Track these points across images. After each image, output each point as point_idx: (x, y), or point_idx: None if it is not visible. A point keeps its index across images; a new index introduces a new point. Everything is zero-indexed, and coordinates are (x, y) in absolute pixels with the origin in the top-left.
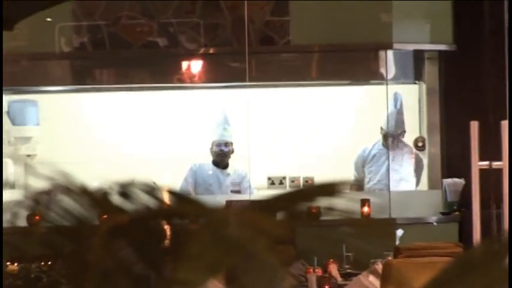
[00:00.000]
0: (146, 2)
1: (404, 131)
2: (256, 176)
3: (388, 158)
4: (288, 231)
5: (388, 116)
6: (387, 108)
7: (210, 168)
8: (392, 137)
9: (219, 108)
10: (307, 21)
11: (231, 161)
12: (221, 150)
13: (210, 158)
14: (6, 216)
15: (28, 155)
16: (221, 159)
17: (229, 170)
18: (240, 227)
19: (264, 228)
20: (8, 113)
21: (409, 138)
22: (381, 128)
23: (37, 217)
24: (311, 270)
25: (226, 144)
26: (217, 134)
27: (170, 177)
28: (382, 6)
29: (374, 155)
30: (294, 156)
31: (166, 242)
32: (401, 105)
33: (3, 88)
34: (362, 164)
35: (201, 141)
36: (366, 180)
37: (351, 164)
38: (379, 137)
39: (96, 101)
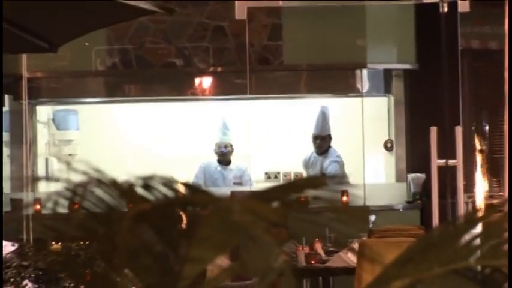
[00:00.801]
0: (165, 29)
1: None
2: (255, 171)
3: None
4: (281, 217)
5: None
6: (362, 117)
7: (215, 166)
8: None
9: (220, 116)
10: (297, 45)
11: (233, 159)
12: (221, 151)
13: (215, 157)
14: (50, 205)
15: (70, 155)
16: (223, 158)
17: (232, 166)
18: (242, 213)
19: (261, 214)
20: (53, 120)
21: (380, 141)
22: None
23: (76, 205)
24: (300, 248)
25: (226, 146)
26: (218, 137)
27: (184, 173)
28: (358, 33)
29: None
30: (286, 155)
31: (182, 225)
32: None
33: (50, 100)
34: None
35: (208, 143)
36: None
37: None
38: (359, 141)
39: (124, 110)
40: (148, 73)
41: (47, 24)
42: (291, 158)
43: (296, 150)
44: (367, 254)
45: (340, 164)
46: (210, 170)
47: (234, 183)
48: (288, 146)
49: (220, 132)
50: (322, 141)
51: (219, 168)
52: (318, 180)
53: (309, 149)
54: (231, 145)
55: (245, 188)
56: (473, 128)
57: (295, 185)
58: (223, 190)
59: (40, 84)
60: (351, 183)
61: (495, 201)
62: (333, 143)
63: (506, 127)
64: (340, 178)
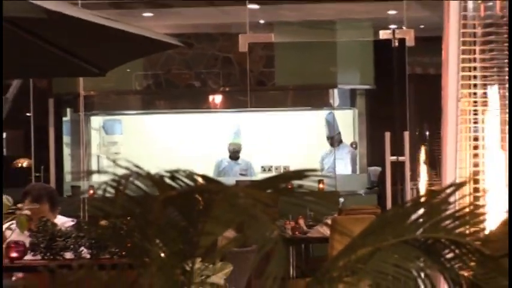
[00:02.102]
0: (187, 59)
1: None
2: (254, 165)
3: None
4: (273, 200)
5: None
6: (334, 125)
7: (227, 161)
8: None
9: (234, 124)
10: (285, 71)
11: (241, 155)
12: (233, 149)
13: (227, 154)
14: (100, 191)
15: (115, 153)
16: (234, 154)
17: (240, 161)
18: (244, 198)
19: (259, 198)
20: (103, 127)
21: (347, 142)
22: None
23: (119, 191)
24: (287, 223)
25: (237, 145)
26: (232, 138)
27: (200, 167)
28: (331, 62)
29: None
30: (277, 153)
31: (199, 207)
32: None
33: (100, 112)
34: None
35: (219, 145)
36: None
37: (314, 158)
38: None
39: (156, 120)
40: (174, 92)
41: (97, 54)
42: (281, 155)
43: (285, 149)
44: (337, 227)
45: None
46: (223, 165)
47: (241, 174)
48: (278, 146)
49: (235, 135)
50: (332, 140)
51: (229, 162)
52: (300, 172)
53: (295, 150)
54: (240, 145)
55: (249, 178)
56: (417, 133)
57: (284, 176)
58: (231, 180)
59: (93, 100)
60: (326, 174)
61: (434, 188)
62: (312, 145)
63: (443, 133)
64: (317, 171)
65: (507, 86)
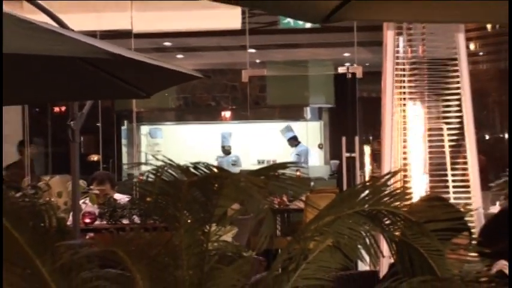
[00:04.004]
0: (206, 86)
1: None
2: (252, 159)
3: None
4: (265, 184)
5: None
6: (307, 131)
7: (222, 155)
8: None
9: (223, 132)
10: (274, 95)
11: (238, 152)
12: (225, 148)
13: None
14: (145, 177)
15: (157, 151)
16: (226, 151)
17: (231, 155)
18: (245, 182)
19: (255, 182)
20: (149, 133)
21: (316, 143)
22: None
23: (159, 177)
24: (275, 199)
25: (226, 145)
26: (222, 142)
27: (213, 161)
28: (304, 88)
29: (301, 151)
30: (269, 150)
31: (214, 188)
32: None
33: (147, 123)
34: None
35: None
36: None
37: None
38: (305, 143)
39: (185, 128)
40: (197, 109)
41: (145, 82)
42: (272, 152)
43: (273, 148)
44: (309, 202)
45: (301, 153)
46: (221, 159)
47: (232, 164)
48: (270, 145)
49: (224, 140)
50: (290, 142)
51: (223, 157)
52: (284, 164)
53: (281, 148)
54: (230, 147)
55: (239, 168)
56: (363, 137)
57: (273, 167)
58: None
59: (142, 115)
60: (302, 165)
61: (375, 175)
62: (288, 149)
63: (382, 137)
64: (297, 163)
65: (426, 104)
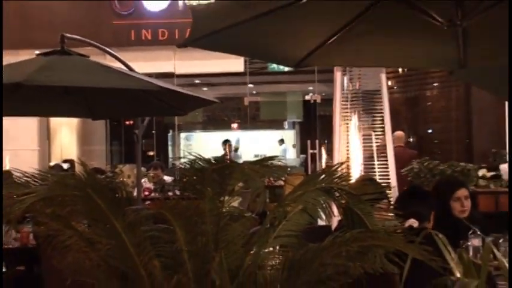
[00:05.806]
0: (221, 106)
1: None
2: (251, 154)
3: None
4: (260, 169)
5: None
6: (284, 137)
7: (233, 153)
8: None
9: (238, 137)
10: (265, 113)
11: (240, 150)
12: (235, 147)
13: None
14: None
15: (191, 149)
16: (235, 149)
17: (238, 152)
18: (248, 168)
19: (254, 169)
20: (185, 138)
21: (291, 144)
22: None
23: (191, 166)
24: (266, 179)
25: (231, 145)
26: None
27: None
28: (283, 109)
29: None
30: (263, 148)
31: (227, 172)
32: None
33: (184, 130)
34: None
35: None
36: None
37: (277, 150)
38: (284, 144)
39: (208, 135)
40: (216, 122)
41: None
42: (264, 149)
43: (266, 146)
44: (288, 181)
45: (284, 150)
46: (231, 155)
47: (238, 158)
48: (263, 145)
49: (236, 142)
50: (279, 143)
51: (234, 153)
52: (272, 157)
53: (271, 146)
54: (238, 146)
55: (243, 159)
56: (321, 141)
57: (265, 159)
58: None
59: (181, 125)
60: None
61: (329, 164)
62: (274, 147)
63: (334, 140)
64: (280, 156)
65: (361, 119)
